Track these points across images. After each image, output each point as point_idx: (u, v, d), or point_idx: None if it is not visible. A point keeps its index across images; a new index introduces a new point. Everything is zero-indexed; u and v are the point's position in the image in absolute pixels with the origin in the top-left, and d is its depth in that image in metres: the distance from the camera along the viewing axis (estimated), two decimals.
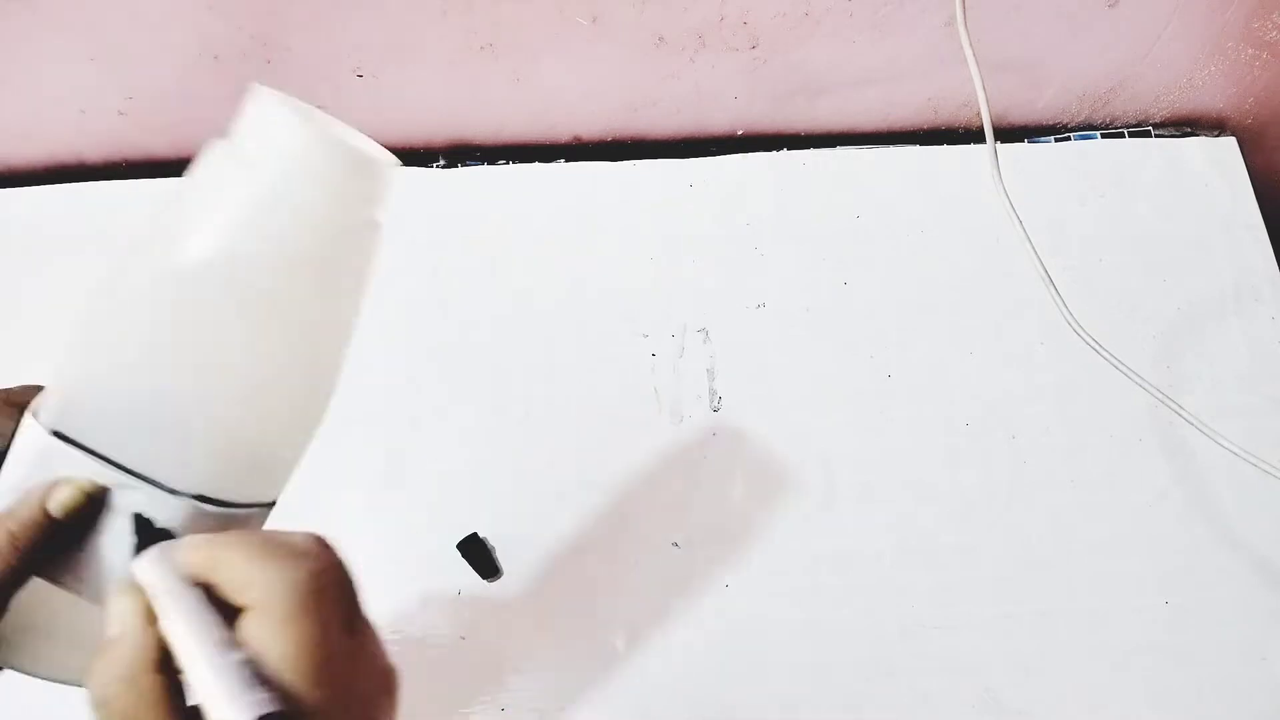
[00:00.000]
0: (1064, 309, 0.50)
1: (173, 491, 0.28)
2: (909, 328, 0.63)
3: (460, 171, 0.68)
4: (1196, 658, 0.55)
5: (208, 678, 0.23)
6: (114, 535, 0.28)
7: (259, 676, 0.23)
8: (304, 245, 0.29)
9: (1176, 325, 0.64)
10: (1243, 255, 0.66)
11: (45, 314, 0.62)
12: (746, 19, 0.60)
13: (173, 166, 0.68)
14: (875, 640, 0.55)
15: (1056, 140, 0.72)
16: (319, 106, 0.30)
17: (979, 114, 0.52)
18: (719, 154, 0.69)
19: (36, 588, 0.27)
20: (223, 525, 0.29)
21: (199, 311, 0.28)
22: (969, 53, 0.52)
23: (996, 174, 0.51)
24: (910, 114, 0.71)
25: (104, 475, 0.28)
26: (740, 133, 0.72)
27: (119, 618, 0.25)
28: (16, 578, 0.27)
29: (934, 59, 0.64)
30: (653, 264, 0.65)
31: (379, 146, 0.31)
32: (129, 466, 0.28)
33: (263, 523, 0.32)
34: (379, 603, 0.54)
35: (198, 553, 0.25)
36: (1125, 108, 0.72)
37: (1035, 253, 0.50)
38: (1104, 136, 0.72)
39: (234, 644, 0.24)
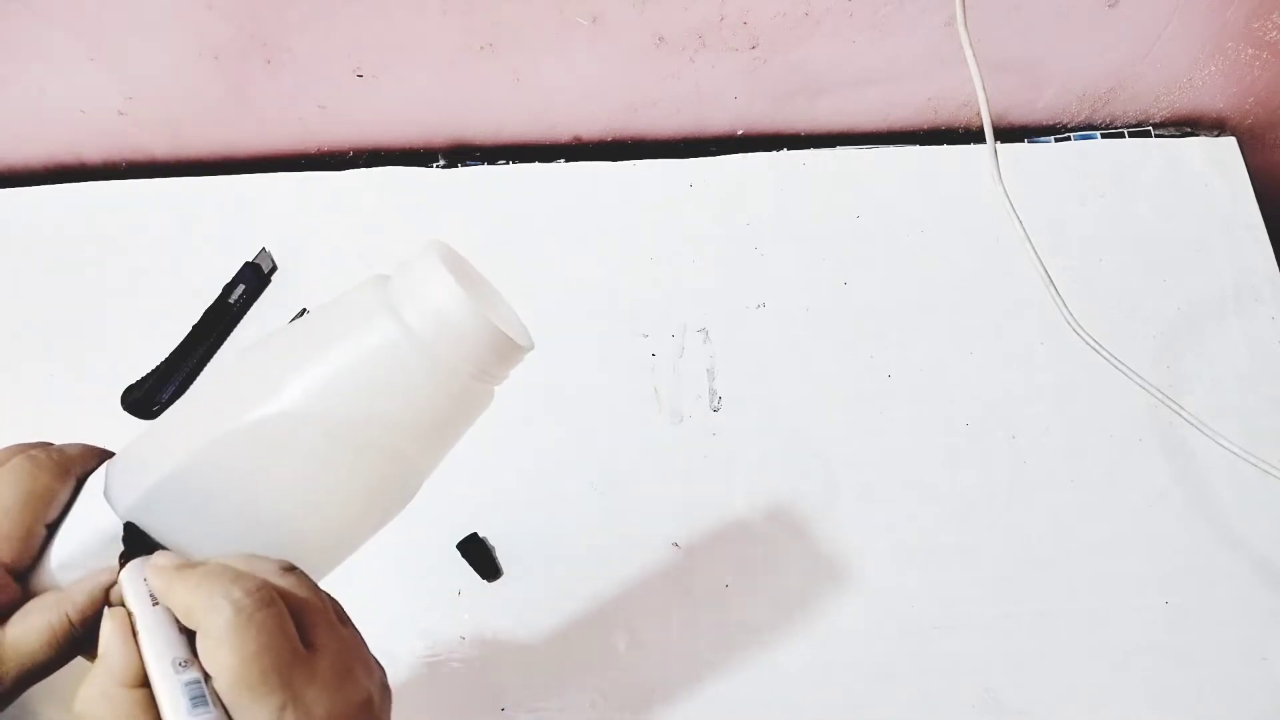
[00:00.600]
0: (1064, 309, 0.50)
1: None
2: (909, 328, 0.63)
3: (460, 171, 0.68)
4: (1196, 658, 0.55)
5: (161, 695, 0.24)
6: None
7: (211, 695, 0.24)
8: (434, 410, 0.30)
9: (1176, 325, 0.64)
10: (1243, 255, 0.66)
11: (45, 314, 0.63)
12: (746, 19, 0.60)
13: (173, 167, 0.68)
14: (875, 640, 0.55)
15: (1056, 140, 0.72)
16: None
17: (979, 114, 0.52)
18: (719, 154, 0.69)
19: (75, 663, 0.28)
20: None
21: (318, 452, 0.29)
22: (969, 53, 0.52)
23: (996, 174, 0.51)
24: (910, 114, 0.71)
25: None
26: (740, 133, 0.72)
27: (103, 634, 0.26)
28: (63, 660, 0.27)
29: (934, 59, 0.64)
30: (653, 264, 0.65)
31: (523, 327, 0.32)
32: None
33: None
34: (379, 603, 0.54)
35: (157, 579, 0.27)
36: (1125, 108, 0.72)
37: (1035, 253, 0.50)
38: (1104, 136, 0.72)
39: (190, 663, 0.25)
